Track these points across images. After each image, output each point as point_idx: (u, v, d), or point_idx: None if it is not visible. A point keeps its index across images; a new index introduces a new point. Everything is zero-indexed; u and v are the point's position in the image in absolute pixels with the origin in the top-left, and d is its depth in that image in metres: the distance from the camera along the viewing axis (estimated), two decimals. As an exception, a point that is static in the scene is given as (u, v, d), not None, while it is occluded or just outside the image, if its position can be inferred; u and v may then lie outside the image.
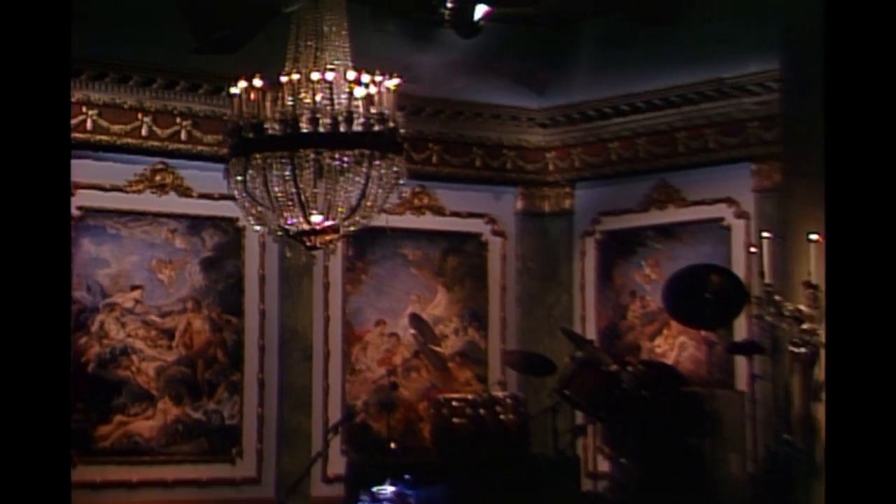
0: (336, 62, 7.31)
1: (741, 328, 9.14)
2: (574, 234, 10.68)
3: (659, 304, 9.54)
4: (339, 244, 8.43)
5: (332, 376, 9.84)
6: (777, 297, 7.90)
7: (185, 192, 9.34)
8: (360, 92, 7.13)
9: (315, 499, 9.33)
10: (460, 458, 8.66)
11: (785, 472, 8.04)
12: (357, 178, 7.23)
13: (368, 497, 7.94)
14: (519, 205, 10.79)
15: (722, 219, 9.64)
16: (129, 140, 9.01)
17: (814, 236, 7.54)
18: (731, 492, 8.69)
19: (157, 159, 9.22)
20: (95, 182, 8.84)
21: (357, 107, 7.12)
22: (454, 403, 8.96)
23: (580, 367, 8.71)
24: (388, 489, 7.98)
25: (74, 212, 8.77)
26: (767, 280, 7.97)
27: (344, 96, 7.16)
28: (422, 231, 10.37)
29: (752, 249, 8.68)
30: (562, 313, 10.41)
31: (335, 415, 9.65)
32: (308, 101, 7.18)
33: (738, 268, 9.11)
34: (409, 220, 10.11)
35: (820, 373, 7.95)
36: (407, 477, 8.01)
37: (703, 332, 9.29)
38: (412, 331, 9.69)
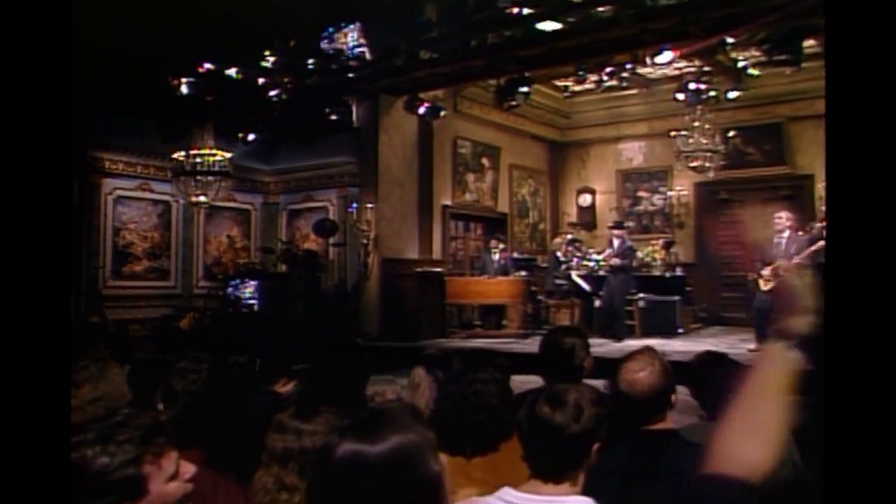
0: (211, 147, 14.73)
1: (339, 237, 16.01)
2: (280, 210, 18.35)
3: (309, 231, 16.86)
4: (205, 208, 15.89)
5: (200, 253, 17.40)
6: (357, 224, 13.95)
7: (152, 191, 16.38)
8: (218, 157, 14.79)
9: (195, 294, 16.77)
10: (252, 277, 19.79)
11: (356, 284, 15.63)
12: (216, 186, 14.87)
13: (224, 292, 16.84)
14: (262, 200, 18.40)
15: (327, 207, 17.42)
16: (134, 174, 16.16)
17: (368, 205, 13.81)
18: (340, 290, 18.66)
19: (143, 180, 16.20)
20: (122, 187, 15.66)
21: (217, 163, 14.73)
22: (243, 262, 16.94)
23: (284, 250, 15.84)
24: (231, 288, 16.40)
25: (115, 197, 15.95)
26: (354, 219, 14.18)
27: (213, 158, 14.64)
28: (232, 207, 17.72)
29: (349, 210, 14.89)
30: (275, 235, 17.95)
31: (202, 266, 17.28)
32: (200, 159, 14.63)
33: (337, 218, 16.37)
34: (230, 203, 17.27)
35: (368, 244, 14.41)
36: (237, 281, 17.96)
37: (322, 239, 16.40)
38: (227, 240, 19.16)
